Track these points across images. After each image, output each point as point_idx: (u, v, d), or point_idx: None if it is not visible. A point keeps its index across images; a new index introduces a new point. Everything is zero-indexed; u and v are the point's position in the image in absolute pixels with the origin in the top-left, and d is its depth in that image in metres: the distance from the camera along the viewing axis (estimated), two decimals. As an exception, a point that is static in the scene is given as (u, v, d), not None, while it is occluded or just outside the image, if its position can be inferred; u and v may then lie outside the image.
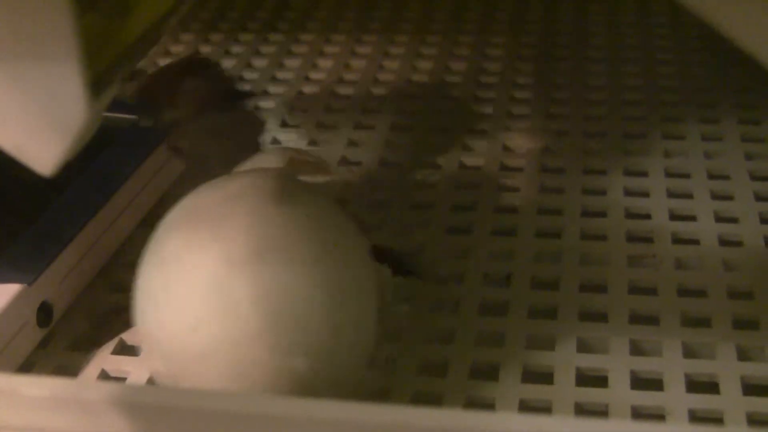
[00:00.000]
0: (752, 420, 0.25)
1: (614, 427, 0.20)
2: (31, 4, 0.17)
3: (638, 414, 0.26)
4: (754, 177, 0.35)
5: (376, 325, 0.24)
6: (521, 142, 0.37)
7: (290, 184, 0.25)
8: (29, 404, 0.21)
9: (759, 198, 0.33)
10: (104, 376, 0.27)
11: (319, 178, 0.28)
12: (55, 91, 0.18)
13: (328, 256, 0.23)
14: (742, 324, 0.28)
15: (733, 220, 0.32)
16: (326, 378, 0.23)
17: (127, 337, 0.29)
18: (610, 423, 0.21)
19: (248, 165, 0.27)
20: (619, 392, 0.26)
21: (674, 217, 0.33)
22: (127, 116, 0.33)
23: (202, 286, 0.23)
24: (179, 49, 0.44)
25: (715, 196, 0.34)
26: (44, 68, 0.18)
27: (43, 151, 0.18)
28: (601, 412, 0.26)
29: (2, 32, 0.18)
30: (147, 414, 0.21)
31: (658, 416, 0.26)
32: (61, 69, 0.18)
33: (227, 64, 0.43)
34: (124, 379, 0.27)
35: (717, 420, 0.25)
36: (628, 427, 0.20)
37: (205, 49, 0.44)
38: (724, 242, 0.32)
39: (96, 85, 0.19)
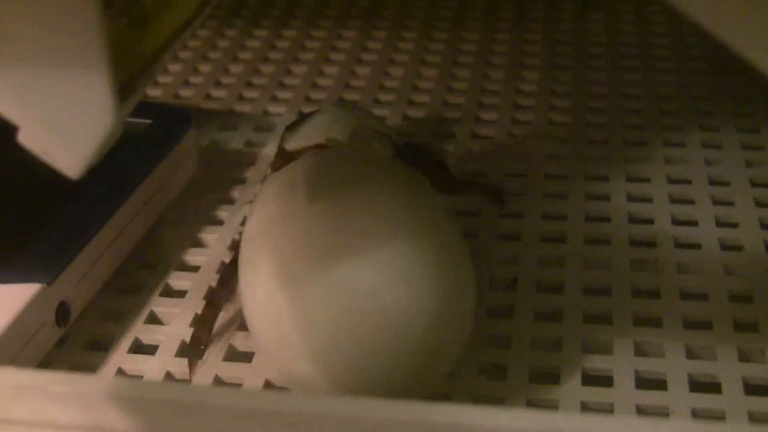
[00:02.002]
0: (753, 419, 0.26)
1: (621, 424, 0.20)
2: (61, 12, 0.18)
3: (643, 412, 0.26)
4: (754, 184, 0.35)
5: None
6: (524, 149, 0.38)
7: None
8: (55, 400, 0.21)
9: (759, 204, 0.34)
10: (120, 374, 0.28)
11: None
12: (83, 97, 0.19)
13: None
14: (743, 326, 0.29)
15: (734, 226, 0.33)
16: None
17: (143, 336, 0.29)
18: (617, 419, 0.21)
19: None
20: (624, 392, 0.27)
21: (676, 222, 0.33)
22: (141, 120, 0.34)
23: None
24: (197, 44, 0.46)
25: (716, 202, 0.34)
26: (73, 74, 0.18)
27: (70, 155, 0.19)
28: (606, 411, 0.26)
29: (32, 39, 0.18)
30: (167, 411, 0.22)
31: (662, 415, 0.26)
32: (90, 76, 0.18)
33: (235, 69, 0.44)
34: (140, 378, 0.28)
35: (719, 418, 0.26)
36: (634, 423, 0.21)
37: (222, 44, 0.45)
38: (724, 247, 0.32)
39: (121, 91, 0.19)
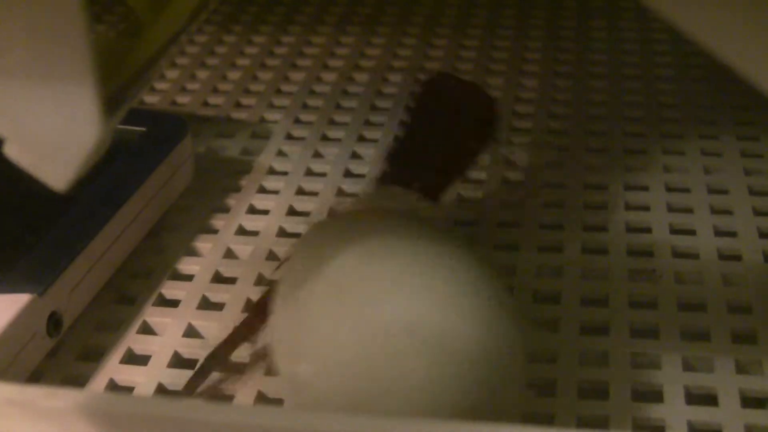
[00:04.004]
0: (751, 432, 0.26)
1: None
2: (47, 24, 0.18)
3: (639, 426, 0.26)
4: (753, 192, 0.35)
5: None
6: (523, 157, 0.37)
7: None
8: (44, 415, 0.21)
9: (758, 213, 0.34)
10: (112, 385, 0.28)
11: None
12: (70, 110, 0.18)
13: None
14: (741, 338, 0.29)
15: (732, 235, 0.33)
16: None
17: (136, 346, 0.29)
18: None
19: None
20: (620, 404, 0.26)
21: (674, 231, 0.33)
22: (135, 128, 0.33)
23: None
24: (195, 51, 0.46)
25: (715, 211, 0.34)
26: (60, 87, 0.18)
27: (58, 168, 0.19)
28: (602, 424, 0.26)
29: (18, 51, 0.18)
30: (166, 427, 0.21)
31: (659, 428, 0.26)
32: (76, 88, 0.18)
33: (232, 76, 0.44)
34: (132, 389, 0.28)
35: (716, 432, 0.26)
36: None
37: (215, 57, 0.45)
38: (723, 256, 0.32)
39: (110, 103, 0.19)
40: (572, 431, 0.25)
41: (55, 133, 0.19)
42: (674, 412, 0.26)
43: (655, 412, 0.26)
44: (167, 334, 0.29)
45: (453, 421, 0.21)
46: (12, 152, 0.19)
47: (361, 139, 0.39)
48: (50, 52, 0.18)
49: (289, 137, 0.39)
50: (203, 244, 0.33)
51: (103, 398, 0.22)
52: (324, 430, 0.20)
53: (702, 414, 0.26)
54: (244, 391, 0.27)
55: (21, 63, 0.18)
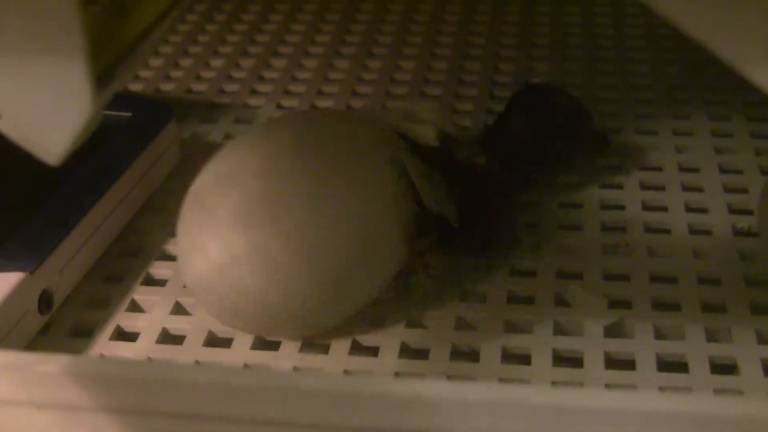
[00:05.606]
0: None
1: (590, 395, 0.21)
2: (39, 3, 0.19)
3: (612, 391, 0.27)
4: (723, 170, 0.36)
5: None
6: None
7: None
8: (40, 380, 0.22)
9: (727, 190, 0.35)
10: (103, 360, 0.29)
11: None
12: (62, 85, 0.19)
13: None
14: (711, 308, 0.30)
15: (703, 211, 0.34)
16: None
17: (125, 323, 0.30)
18: (586, 391, 0.22)
19: None
20: (594, 371, 0.27)
21: (647, 207, 0.34)
22: (121, 113, 0.34)
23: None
24: (178, 39, 0.46)
25: (686, 188, 0.35)
26: (52, 63, 0.19)
27: (50, 142, 0.20)
28: (576, 390, 0.27)
29: (13, 29, 0.19)
30: (153, 388, 0.22)
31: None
32: (68, 64, 0.19)
33: (215, 63, 0.44)
34: (122, 363, 0.28)
35: (686, 396, 0.27)
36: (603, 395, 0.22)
37: (200, 44, 0.46)
38: (694, 231, 0.33)
39: (101, 80, 0.20)
40: (548, 389, 0.26)
41: (48, 108, 0.19)
42: (646, 378, 0.27)
43: (627, 378, 0.27)
44: (155, 312, 0.30)
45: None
46: (5, 127, 0.19)
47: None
48: (42, 30, 0.19)
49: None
50: (189, 224, 0.34)
51: (94, 362, 0.22)
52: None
53: (672, 380, 0.27)
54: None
55: (14, 41, 0.19)
